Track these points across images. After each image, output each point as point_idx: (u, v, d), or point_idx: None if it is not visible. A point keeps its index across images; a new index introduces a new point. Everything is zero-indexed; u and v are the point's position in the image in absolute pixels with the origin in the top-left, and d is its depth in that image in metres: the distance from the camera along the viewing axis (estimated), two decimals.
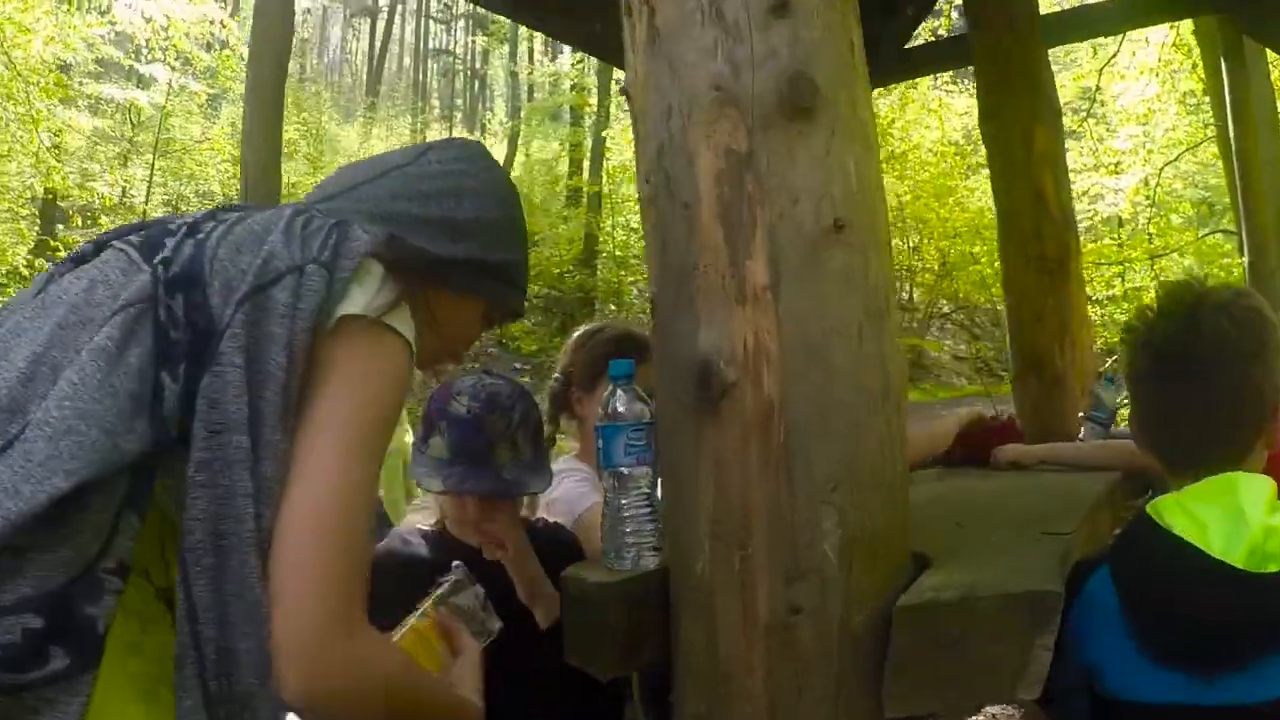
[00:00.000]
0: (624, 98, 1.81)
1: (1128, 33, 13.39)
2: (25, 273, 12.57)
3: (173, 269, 1.27)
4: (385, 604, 1.49)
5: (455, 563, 1.79)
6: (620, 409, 1.78)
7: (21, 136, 12.41)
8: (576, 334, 2.88)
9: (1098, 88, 14.82)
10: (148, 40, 14.59)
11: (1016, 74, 4.35)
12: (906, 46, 5.41)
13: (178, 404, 1.20)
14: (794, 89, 1.50)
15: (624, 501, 1.77)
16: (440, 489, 2.19)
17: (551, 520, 2.53)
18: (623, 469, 1.76)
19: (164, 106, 17.74)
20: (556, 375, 2.81)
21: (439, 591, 1.68)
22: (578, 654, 1.72)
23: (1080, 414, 3.66)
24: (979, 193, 20.35)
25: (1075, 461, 3.23)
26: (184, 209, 19.02)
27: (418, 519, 2.62)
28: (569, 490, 2.61)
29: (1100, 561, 1.69)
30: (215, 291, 1.26)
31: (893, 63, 5.25)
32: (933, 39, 8.43)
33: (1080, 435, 3.56)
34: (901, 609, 1.39)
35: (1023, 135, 4.27)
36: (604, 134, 23.27)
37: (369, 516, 1.26)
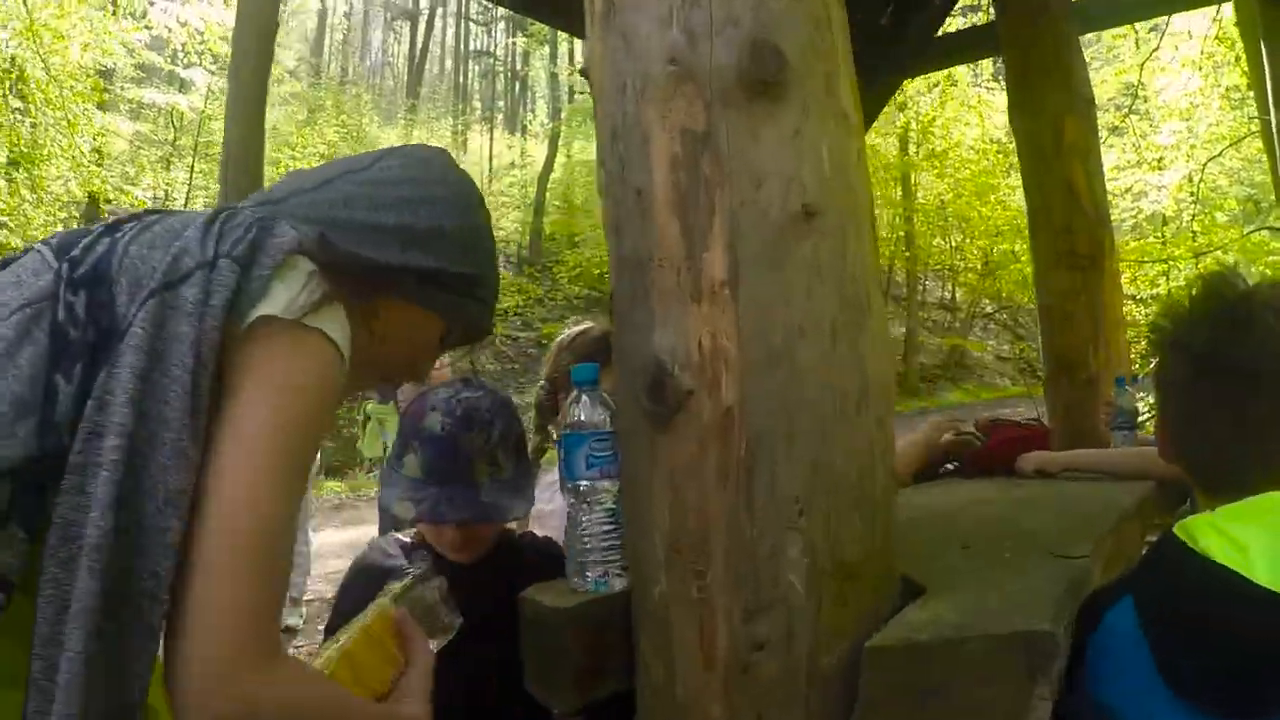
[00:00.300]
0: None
1: (1168, 27, 13.12)
2: None
3: (80, 268, 1.17)
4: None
5: (420, 552, 1.66)
6: (582, 416, 1.62)
7: (61, 141, 12.41)
8: (561, 335, 2.73)
9: (1139, 82, 14.45)
10: (184, 45, 14.61)
11: (1046, 62, 4.14)
12: (936, 35, 5.23)
13: (72, 406, 1.08)
14: (757, 60, 1.32)
15: (586, 518, 1.61)
16: (412, 517, 2.07)
17: (542, 535, 2.39)
18: (584, 482, 1.61)
19: (202, 110, 17.76)
20: (542, 382, 2.66)
21: (401, 584, 1.56)
22: (536, 682, 1.58)
23: (1104, 424, 3.47)
24: (1020, 190, 19.88)
25: (1104, 469, 3.03)
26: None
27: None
28: (563, 504, 2.46)
29: (1122, 590, 1.47)
30: (122, 290, 1.14)
31: (921, 51, 5.05)
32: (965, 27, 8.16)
33: (1112, 446, 3.36)
34: (872, 650, 1.20)
35: (1053, 126, 4.07)
36: None
37: (289, 537, 1.12)
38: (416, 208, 1.38)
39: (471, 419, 2.02)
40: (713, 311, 1.29)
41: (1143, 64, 13.84)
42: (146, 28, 13.98)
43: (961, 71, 20.27)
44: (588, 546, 1.60)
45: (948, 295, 28.01)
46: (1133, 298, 13.88)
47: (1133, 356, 4.99)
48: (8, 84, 11.61)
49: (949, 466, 3.39)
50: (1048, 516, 2.22)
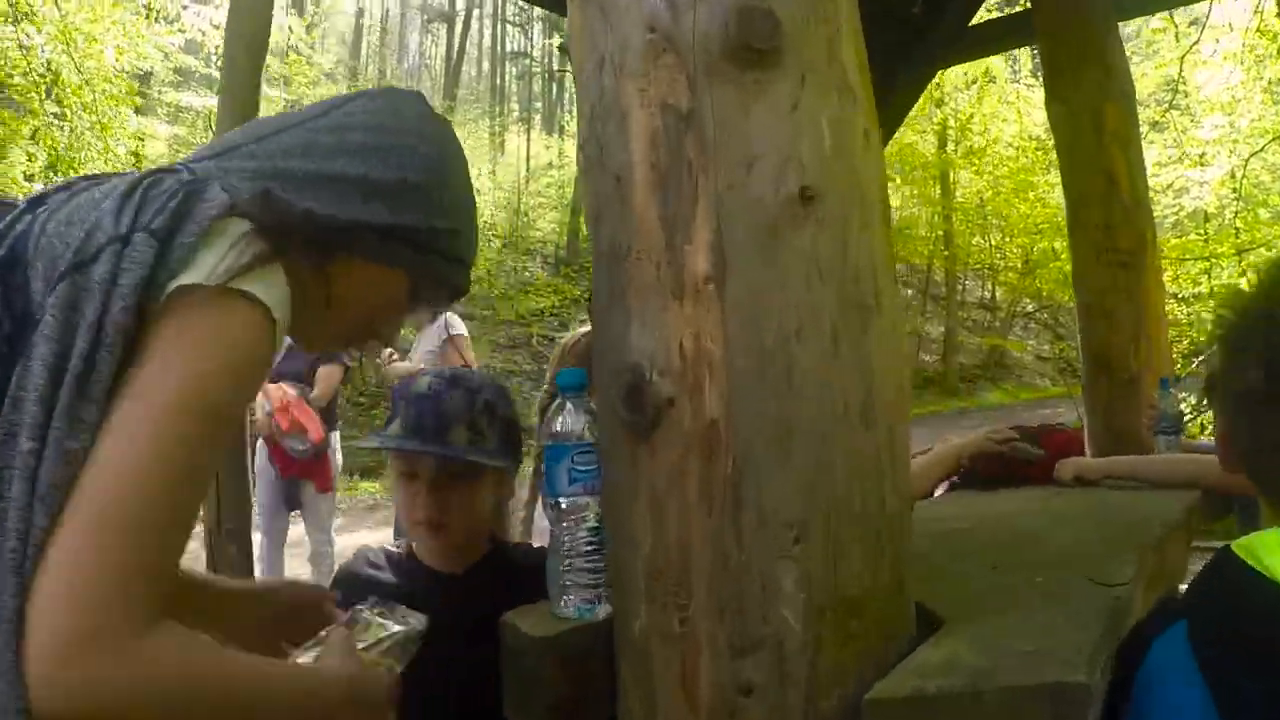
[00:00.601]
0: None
1: (1208, 20, 12.80)
2: None
3: None
4: None
5: (356, 607, 1.52)
6: (564, 426, 1.47)
7: (95, 144, 12.41)
8: (564, 338, 2.59)
9: (1180, 77, 14.10)
10: (216, 48, 14.60)
11: (1084, 50, 3.94)
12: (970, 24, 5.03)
13: None
14: (746, 25, 1.15)
15: (568, 538, 1.46)
16: (375, 444, 2.01)
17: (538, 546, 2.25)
18: (565, 499, 1.45)
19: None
20: (545, 386, 2.52)
21: (375, 640, 1.44)
22: (514, 712, 1.42)
23: (1146, 428, 3.27)
24: (1060, 188, 19.49)
25: (1147, 476, 2.84)
26: None
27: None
28: None
29: (1171, 616, 1.27)
30: (38, 273, 1.04)
31: (955, 41, 4.85)
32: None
33: (1157, 452, 3.17)
34: (872, 703, 1.03)
35: (1092, 116, 3.86)
36: None
37: (180, 505, 1.00)
38: (385, 156, 1.26)
39: (458, 380, 1.95)
40: (696, 310, 1.13)
41: (1182, 57, 13.49)
42: (180, 31, 13.95)
43: (1000, 67, 19.98)
44: (570, 569, 1.45)
45: (987, 294, 27.65)
46: (1175, 296, 13.57)
47: (1174, 356, 4.77)
48: (43, 88, 11.61)
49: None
50: (1086, 532, 2.05)
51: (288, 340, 4.67)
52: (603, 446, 1.30)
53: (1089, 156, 3.88)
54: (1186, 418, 3.66)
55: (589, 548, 1.43)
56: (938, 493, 3.16)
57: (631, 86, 1.21)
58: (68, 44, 11.40)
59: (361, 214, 1.22)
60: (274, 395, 6.42)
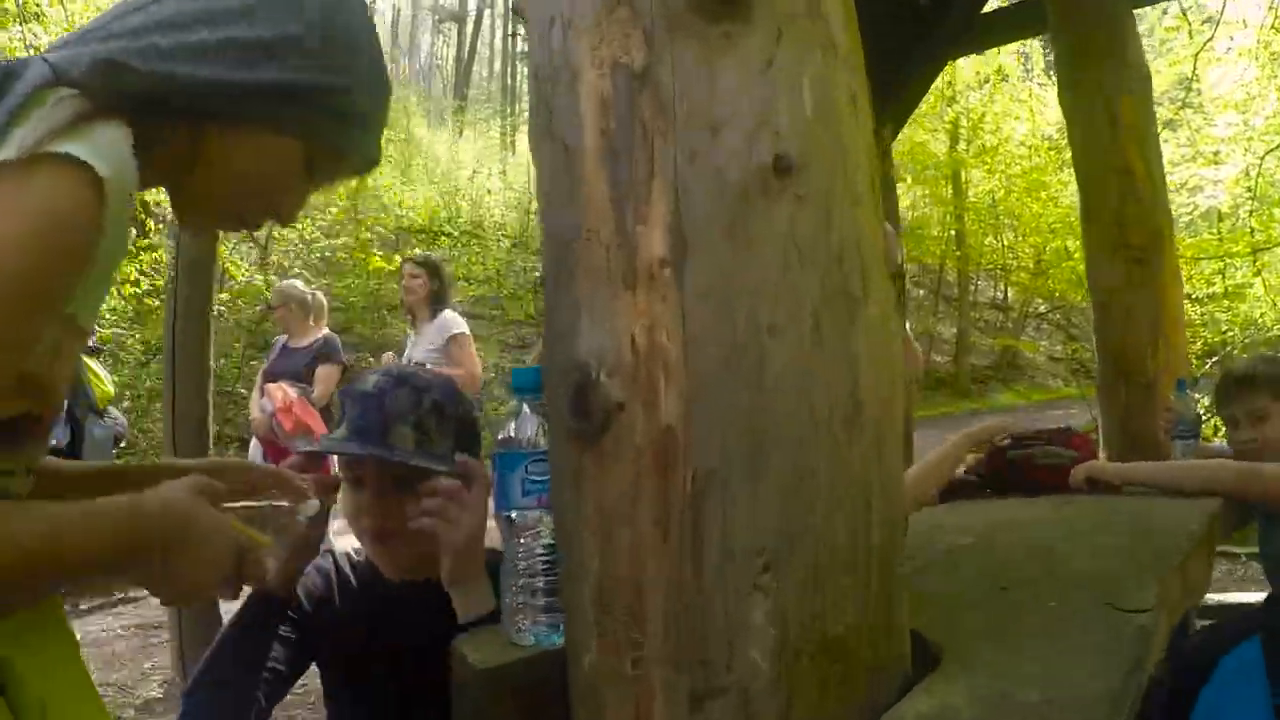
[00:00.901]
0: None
1: (1222, 16, 12.57)
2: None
3: None
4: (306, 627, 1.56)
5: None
6: (517, 432, 1.30)
7: None
8: None
9: (1194, 74, 13.85)
10: None
11: (1098, 39, 3.76)
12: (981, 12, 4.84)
13: None
14: None
15: (522, 556, 1.29)
16: (315, 449, 1.89)
17: None
18: (518, 513, 1.29)
19: None
20: None
21: None
22: None
23: (1163, 432, 3.09)
24: (1072, 187, 19.27)
25: (1166, 484, 2.67)
26: None
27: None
28: None
29: (1240, 635, 1.12)
30: None
31: (965, 32, 4.67)
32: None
33: (1174, 457, 2.99)
34: None
35: (1106, 107, 3.69)
36: None
37: None
38: (270, 9, 1.13)
39: (405, 379, 1.80)
40: (650, 299, 0.96)
41: (1197, 54, 13.25)
42: None
43: (1012, 65, 19.75)
44: (524, 590, 1.29)
45: (1000, 295, 27.36)
46: (1189, 296, 13.32)
47: (1188, 357, 4.59)
48: None
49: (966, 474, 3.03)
50: (1102, 546, 1.87)
51: (283, 339, 4.52)
52: (551, 456, 1.13)
53: (1103, 149, 3.71)
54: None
55: (545, 566, 1.27)
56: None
57: (583, 44, 1.04)
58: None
59: (231, 73, 1.09)
60: (276, 396, 6.29)
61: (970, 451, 3.00)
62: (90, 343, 5.86)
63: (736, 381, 0.94)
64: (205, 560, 1.10)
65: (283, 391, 6.28)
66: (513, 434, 1.29)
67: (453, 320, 6.23)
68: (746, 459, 0.93)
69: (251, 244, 17.80)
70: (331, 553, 2.08)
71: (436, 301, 6.21)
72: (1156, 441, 3.27)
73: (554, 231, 1.07)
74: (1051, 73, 20.58)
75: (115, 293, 12.28)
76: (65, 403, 5.20)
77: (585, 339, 1.00)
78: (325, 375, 6.48)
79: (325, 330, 6.84)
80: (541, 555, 1.27)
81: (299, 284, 7.31)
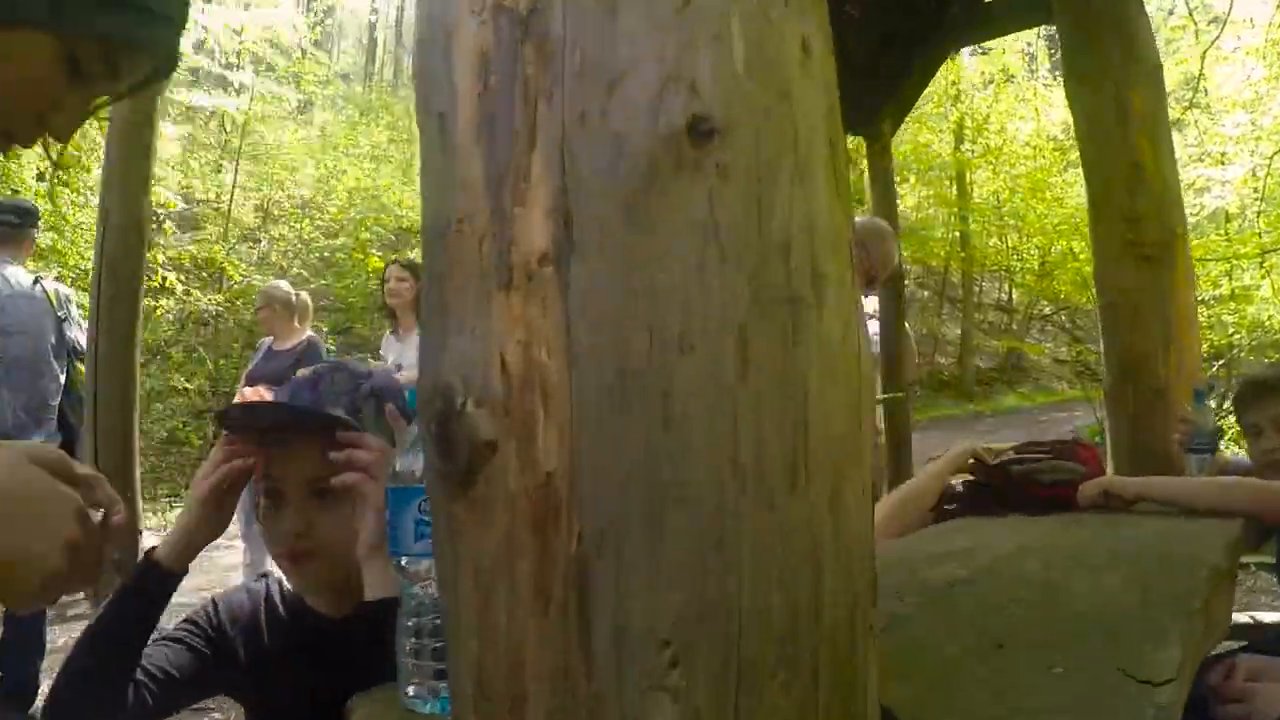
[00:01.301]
0: None
1: (1230, 15, 12.35)
2: None
3: None
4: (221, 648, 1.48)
5: None
6: (407, 465, 1.08)
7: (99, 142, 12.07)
8: None
9: (1200, 74, 13.59)
10: (222, 45, 14.29)
11: (1106, 26, 3.53)
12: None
13: None
14: None
15: (414, 609, 1.07)
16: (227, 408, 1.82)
17: None
18: (408, 558, 1.07)
19: (245, 111, 17.41)
20: None
21: None
22: None
23: (1176, 444, 2.86)
24: (1077, 187, 19.03)
25: (1183, 502, 2.45)
26: (276, 213, 18.81)
27: None
28: None
29: None
30: None
31: (966, 19, 4.44)
32: None
33: (1189, 472, 2.76)
34: None
35: (1116, 97, 3.46)
36: None
37: None
38: None
39: (343, 366, 1.72)
40: (527, 306, 0.73)
41: (1204, 54, 13.00)
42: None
43: (1017, 65, 19.49)
44: (416, 648, 1.06)
45: (1004, 296, 27.10)
46: (1196, 299, 13.07)
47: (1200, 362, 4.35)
48: None
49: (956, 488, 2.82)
50: (1112, 582, 1.64)
51: (268, 341, 4.43)
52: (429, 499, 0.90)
53: (1113, 142, 3.48)
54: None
55: (438, 625, 1.05)
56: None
57: None
58: None
59: None
60: (250, 399, 6.13)
61: (957, 472, 2.79)
62: (81, 345, 5.69)
63: (635, 415, 0.71)
64: (35, 519, 0.90)
65: (258, 395, 6.13)
66: (401, 466, 1.07)
67: None
68: (647, 516, 0.70)
69: (252, 245, 17.65)
70: (266, 576, 1.89)
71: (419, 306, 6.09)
72: (1167, 453, 3.04)
73: (428, 223, 0.84)
74: (1057, 72, 20.39)
75: None
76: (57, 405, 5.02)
77: (451, 356, 0.77)
78: None
79: (309, 333, 6.68)
80: (435, 614, 1.05)
81: (284, 284, 7.15)
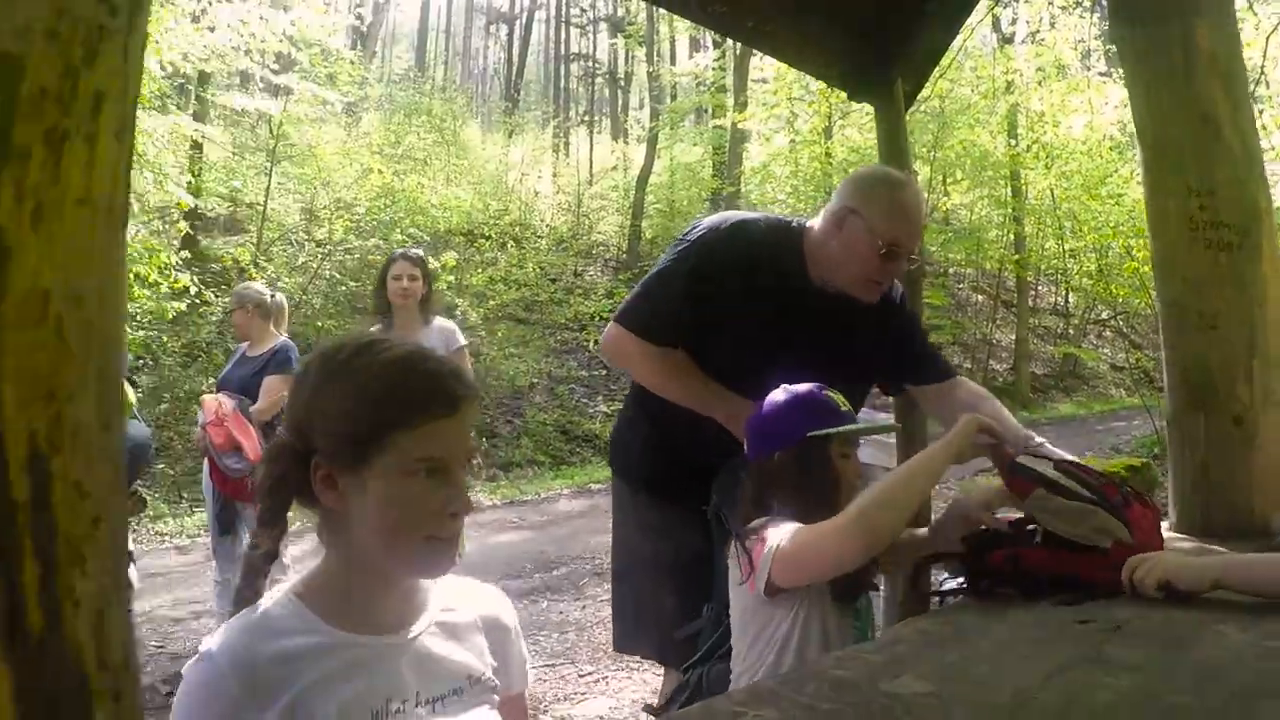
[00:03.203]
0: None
1: None
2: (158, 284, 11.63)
3: None
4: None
5: None
6: None
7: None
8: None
9: (1265, 59, 12.44)
10: (248, 47, 13.67)
11: None
12: None
13: None
14: None
15: None
16: None
17: None
18: None
19: (282, 114, 16.83)
20: None
21: None
22: None
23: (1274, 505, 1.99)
24: (1135, 182, 17.82)
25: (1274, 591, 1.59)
26: (321, 215, 18.31)
27: None
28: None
29: None
30: None
31: None
32: None
33: None
34: None
35: (1179, 37, 2.56)
36: (738, 125, 21.24)
37: None
38: None
39: None
40: None
41: (1269, 36, 11.88)
42: (210, 29, 12.94)
43: (1069, 57, 18.32)
44: None
45: (1060, 300, 25.86)
46: None
47: None
48: None
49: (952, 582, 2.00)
50: None
51: (242, 347, 3.52)
52: None
53: (1176, 93, 2.58)
54: None
55: None
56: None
57: None
58: None
59: None
60: (209, 407, 5.55)
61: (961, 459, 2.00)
62: None
63: None
64: None
65: (217, 403, 5.49)
66: None
67: (453, 329, 5.66)
68: None
69: (286, 246, 17.10)
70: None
71: (426, 305, 5.58)
72: (1251, 507, 2.17)
73: None
74: (1113, 69, 19.22)
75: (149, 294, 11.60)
76: None
77: None
78: (270, 386, 5.66)
79: (283, 337, 5.98)
80: None
81: (258, 285, 6.48)
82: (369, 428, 1.31)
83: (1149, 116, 2.64)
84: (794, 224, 2.80)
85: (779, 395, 2.23)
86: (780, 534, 1.97)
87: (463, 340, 5.62)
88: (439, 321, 5.60)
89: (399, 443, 1.30)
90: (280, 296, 6.21)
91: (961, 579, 2.05)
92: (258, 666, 1.26)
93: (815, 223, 2.73)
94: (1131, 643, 1.46)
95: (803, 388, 2.23)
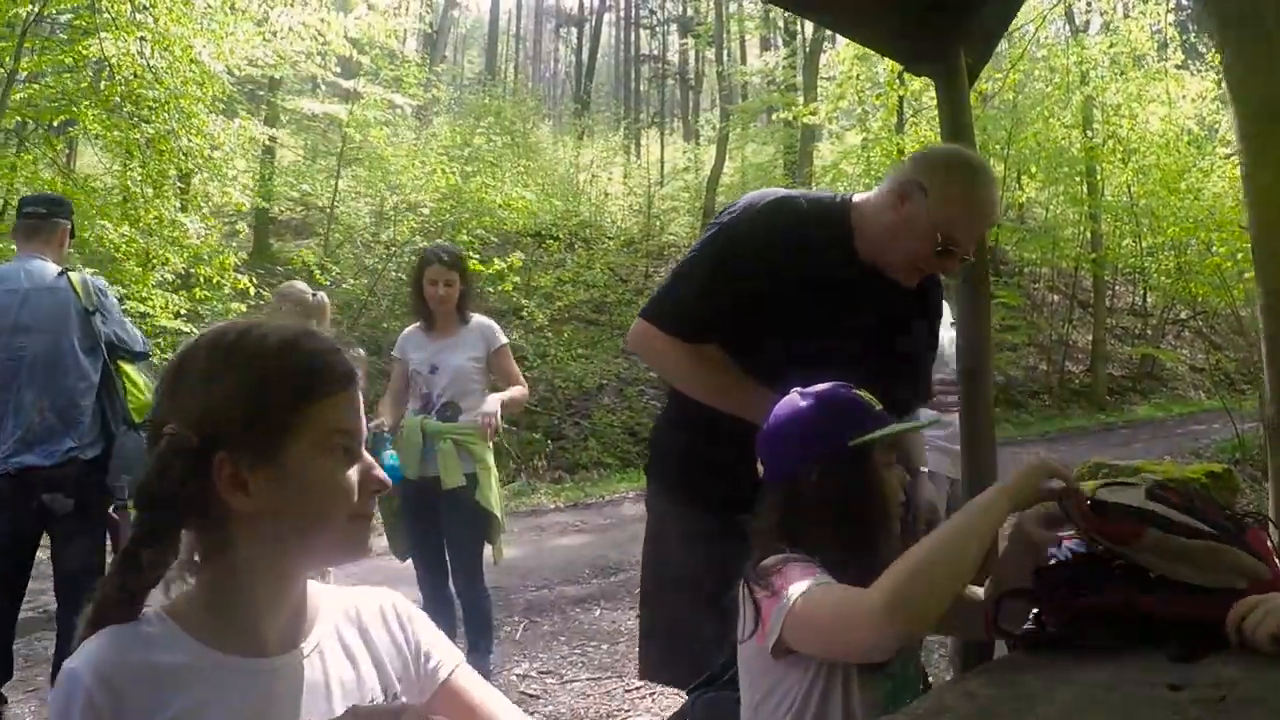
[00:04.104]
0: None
1: None
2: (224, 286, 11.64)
3: None
4: None
5: None
6: None
7: (187, 153, 11.49)
8: None
9: None
10: (309, 52, 13.59)
11: None
12: None
13: None
14: None
15: None
16: None
17: None
18: None
19: (349, 117, 16.80)
20: None
21: None
22: None
23: None
24: (1215, 176, 16.98)
25: None
26: (389, 215, 18.29)
27: None
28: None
29: None
30: None
31: None
32: None
33: None
34: None
35: None
36: (808, 124, 20.81)
37: None
38: None
39: None
40: None
41: None
42: (274, 33, 12.84)
43: (1145, 47, 17.60)
44: None
45: (1139, 300, 25.00)
46: None
47: None
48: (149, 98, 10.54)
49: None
50: None
51: None
52: None
53: (1276, 49, 2.19)
54: None
55: None
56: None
57: None
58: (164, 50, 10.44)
59: None
60: None
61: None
62: (139, 348, 4.92)
63: None
64: None
65: None
66: None
67: (493, 327, 5.38)
68: None
69: (353, 248, 17.09)
70: None
71: (464, 305, 5.30)
72: None
73: None
74: (1191, 63, 18.42)
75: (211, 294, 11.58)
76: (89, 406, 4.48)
77: None
78: None
79: None
80: None
81: (300, 284, 6.21)
82: (280, 405, 1.23)
83: (1247, 69, 2.24)
84: (838, 198, 2.47)
85: (797, 401, 1.88)
86: (800, 588, 1.62)
87: (503, 339, 5.33)
88: (477, 319, 5.34)
89: (313, 417, 1.24)
90: (322, 295, 5.96)
91: (1038, 610, 1.68)
92: (125, 679, 1.15)
93: (869, 195, 2.42)
94: (1237, 718, 1.09)
95: (824, 388, 1.87)
